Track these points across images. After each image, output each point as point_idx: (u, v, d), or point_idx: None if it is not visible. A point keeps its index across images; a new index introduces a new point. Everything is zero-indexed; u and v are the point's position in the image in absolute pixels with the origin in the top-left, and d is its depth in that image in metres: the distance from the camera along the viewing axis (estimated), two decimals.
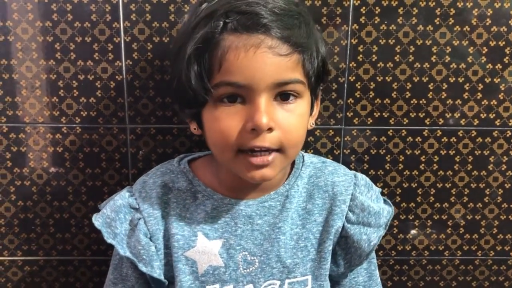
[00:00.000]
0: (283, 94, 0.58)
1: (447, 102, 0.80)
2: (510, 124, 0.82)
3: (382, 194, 0.75)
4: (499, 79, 0.80)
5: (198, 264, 0.66)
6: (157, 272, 0.65)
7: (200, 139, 0.80)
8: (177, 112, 0.78)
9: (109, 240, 0.63)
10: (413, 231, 0.86)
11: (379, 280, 0.74)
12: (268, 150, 0.58)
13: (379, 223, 0.68)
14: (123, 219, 0.65)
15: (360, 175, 0.71)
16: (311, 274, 0.68)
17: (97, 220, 0.65)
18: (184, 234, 0.66)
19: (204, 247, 0.66)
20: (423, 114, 0.81)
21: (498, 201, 0.85)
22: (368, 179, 0.72)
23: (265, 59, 0.56)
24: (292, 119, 0.59)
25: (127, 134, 0.80)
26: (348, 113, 0.81)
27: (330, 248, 0.68)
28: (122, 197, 0.67)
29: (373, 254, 0.73)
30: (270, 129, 0.57)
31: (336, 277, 0.72)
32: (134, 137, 0.80)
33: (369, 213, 0.68)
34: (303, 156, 0.71)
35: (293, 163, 0.70)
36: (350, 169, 0.75)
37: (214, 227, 0.66)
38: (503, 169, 0.84)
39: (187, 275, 0.66)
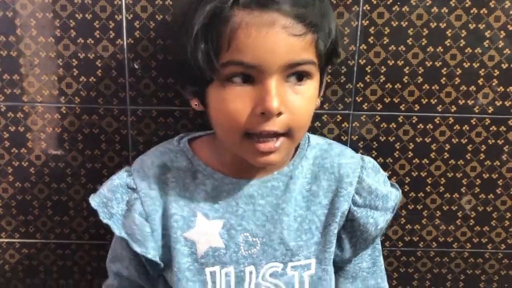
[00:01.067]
0: (293, 74, 0.57)
1: (461, 88, 0.77)
2: None
3: None
4: None
5: (198, 245, 0.64)
6: (152, 253, 0.64)
7: (203, 122, 0.78)
8: (179, 93, 0.75)
9: (105, 220, 0.62)
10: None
11: (383, 266, 0.73)
12: (276, 135, 0.57)
13: (386, 206, 0.66)
14: (120, 199, 0.64)
15: (367, 158, 0.70)
16: (315, 258, 0.67)
17: (94, 200, 0.64)
18: (183, 214, 0.64)
19: (204, 227, 0.64)
20: (435, 101, 0.78)
21: (511, 192, 0.83)
22: (375, 162, 0.70)
23: (278, 39, 0.53)
24: (302, 102, 0.58)
25: (127, 116, 0.78)
26: (357, 98, 0.78)
27: (336, 231, 0.67)
28: (120, 177, 0.66)
29: (378, 240, 0.71)
30: (279, 113, 0.56)
31: (340, 263, 0.70)
32: (135, 119, 0.78)
33: (377, 196, 0.66)
34: (308, 137, 0.69)
35: (298, 144, 0.68)
36: None
37: (215, 207, 0.65)
38: None
39: (185, 256, 0.64)
